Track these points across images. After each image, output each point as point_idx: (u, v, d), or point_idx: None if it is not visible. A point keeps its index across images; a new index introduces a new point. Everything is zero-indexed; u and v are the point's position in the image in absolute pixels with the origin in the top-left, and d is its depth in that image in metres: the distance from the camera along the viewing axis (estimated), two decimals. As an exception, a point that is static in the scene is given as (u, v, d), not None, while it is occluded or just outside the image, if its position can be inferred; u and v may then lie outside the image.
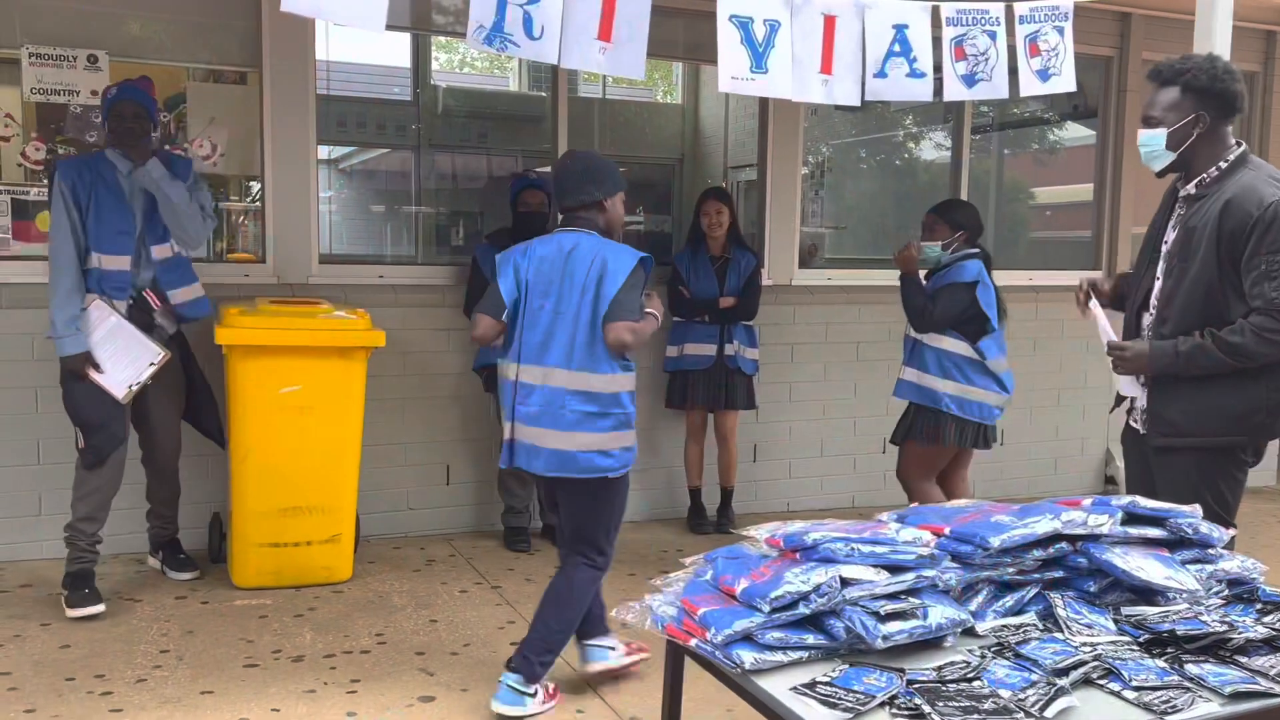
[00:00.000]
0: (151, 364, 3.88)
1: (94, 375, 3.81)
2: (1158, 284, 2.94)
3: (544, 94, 8.26)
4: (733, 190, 7.81)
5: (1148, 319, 2.96)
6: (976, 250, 4.30)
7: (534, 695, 3.15)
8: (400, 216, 9.06)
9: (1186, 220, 2.86)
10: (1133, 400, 3.02)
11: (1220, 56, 2.91)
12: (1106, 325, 2.99)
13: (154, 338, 3.97)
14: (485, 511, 5.24)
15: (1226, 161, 2.84)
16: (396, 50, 8.93)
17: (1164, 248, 2.94)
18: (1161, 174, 2.97)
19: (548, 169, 5.41)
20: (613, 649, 3.42)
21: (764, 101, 5.69)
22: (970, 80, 3.34)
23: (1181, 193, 2.93)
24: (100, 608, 3.88)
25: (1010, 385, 4.32)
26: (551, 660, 3.20)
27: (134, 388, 3.86)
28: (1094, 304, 3.07)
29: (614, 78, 4.72)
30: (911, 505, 2.25)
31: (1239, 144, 2.88)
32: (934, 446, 4.29)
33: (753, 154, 6.40)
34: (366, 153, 10.54)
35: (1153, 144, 2.88)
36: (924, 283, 4.34)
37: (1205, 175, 2.85)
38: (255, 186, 5.18)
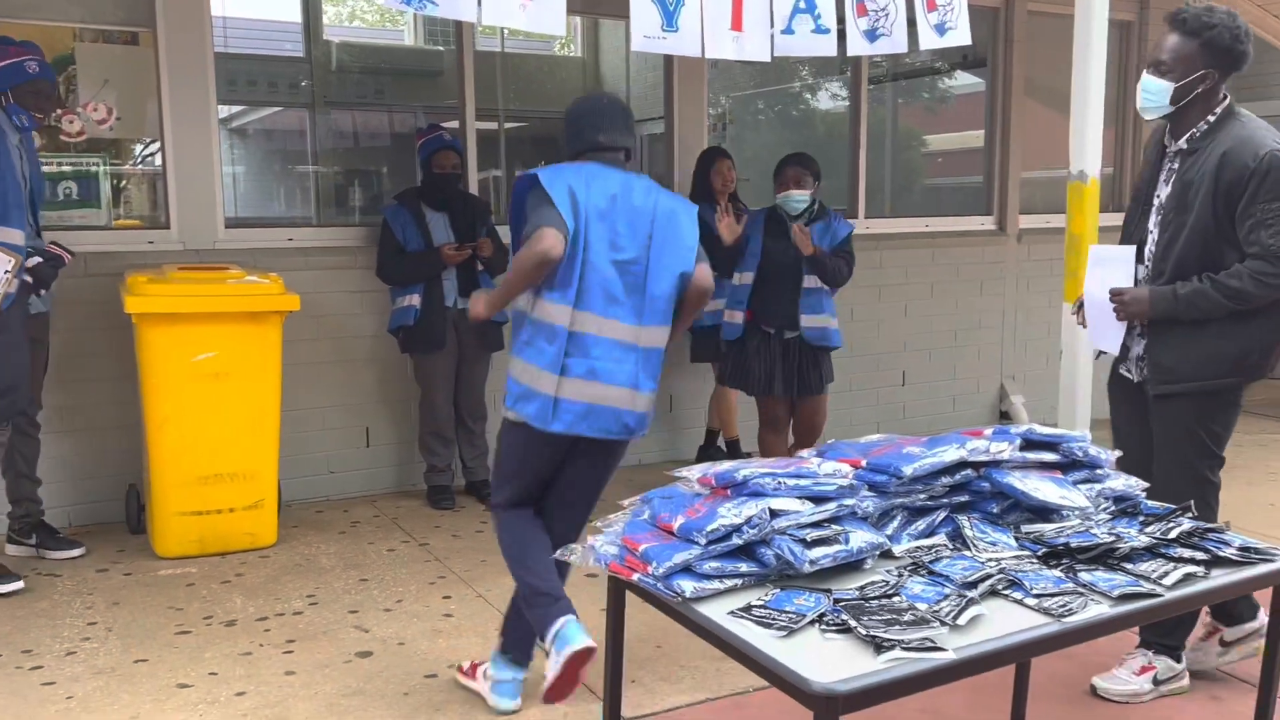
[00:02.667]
0: (6, 271, 3.69)
1: None
2: (1151, 237, 3.00)
3: (441, 48, 8.15)
4: (639, 144, 7.86)
5: (1143, 272, 3.02)
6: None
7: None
8: (297, 177, 8.86)
9: (1182, 174, 2.91)
10: (1125, 349, 3.09)
11: (1238, 15, 2.88)
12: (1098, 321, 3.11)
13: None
14: (407, 472, 5.27)
15: (1215, 115, 2.89)
16: (287, 4, 8.67)
17: (1156, 202, 3.00)
18: (1150, 120, 3.03)
19: (455, 124, 5.39)
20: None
21: (669, 55, 5.75)
22: (872, 35, 3.47)
23: (1172, 148, 2.97)
24: (19, 584, 3.82)
25: None
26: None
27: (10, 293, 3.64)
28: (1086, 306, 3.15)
29: (511, 30, 4.71)
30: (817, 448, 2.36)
31: (1225, 97, 2.92)
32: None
33: (655, 107, 6.47)
34: (257, 111, 10.23)
35: (1157, 91, 2.89)
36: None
37: (1195, 130, 2.90)
38: (139, 149, 5.06)
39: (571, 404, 2.78)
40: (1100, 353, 3.25)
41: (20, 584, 3.82)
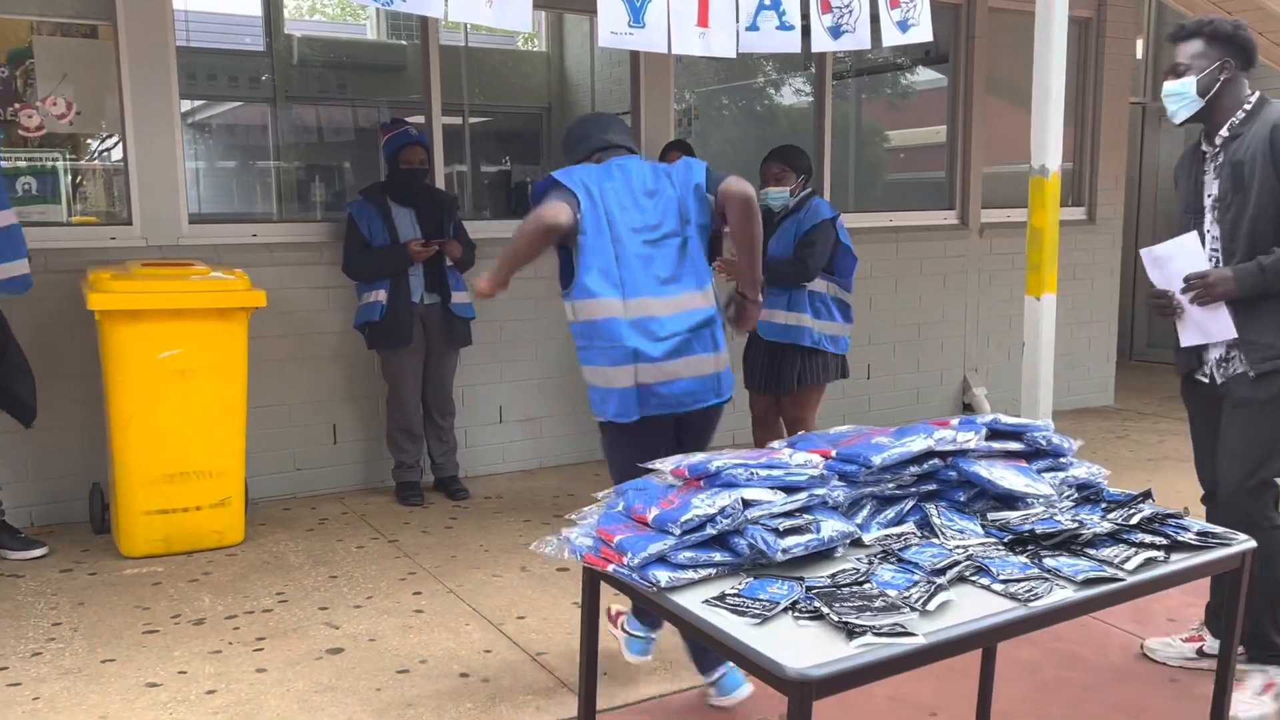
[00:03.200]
0: None
1: None
2: (1211, 235, 3.00)
3: (404, 43, 8.11)
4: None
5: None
6: (812, 190, 4.44)
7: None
8: (259, 172, 8.78)
9: (1230, 158, 2.94)
10: (1199, 355, 3.07)
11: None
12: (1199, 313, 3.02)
13: None
14: (375, 469, 5.26)
15: (1250, 103, 2.95)
16: (247, -3, 8.57)
17: (1208, 200, 3.01)
18: (1184, 124, 3.05)
19: (421, 119, 5.38)
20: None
21: (635, 50, 5.77)
22: (836, 32, 3.51)
23: (1212, 146, 3.00)
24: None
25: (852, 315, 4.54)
26: None
27: None
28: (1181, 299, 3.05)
29: (474, 25, 4.70)
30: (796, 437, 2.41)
31: (1253, 92, 2.98)
32: (821, 386, 4.45)
33: (620, 102, 6.49)
34: (217, 106, 10.12)
35: (1182, 91, 2.96)
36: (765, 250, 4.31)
37: (1234, 118, 2.95)
38: (100, 144, 4.99)
39: (657, 388, 2.78)
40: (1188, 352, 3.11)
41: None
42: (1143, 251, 3.15)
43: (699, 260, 2.87)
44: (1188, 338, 3.09)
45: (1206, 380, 3.11)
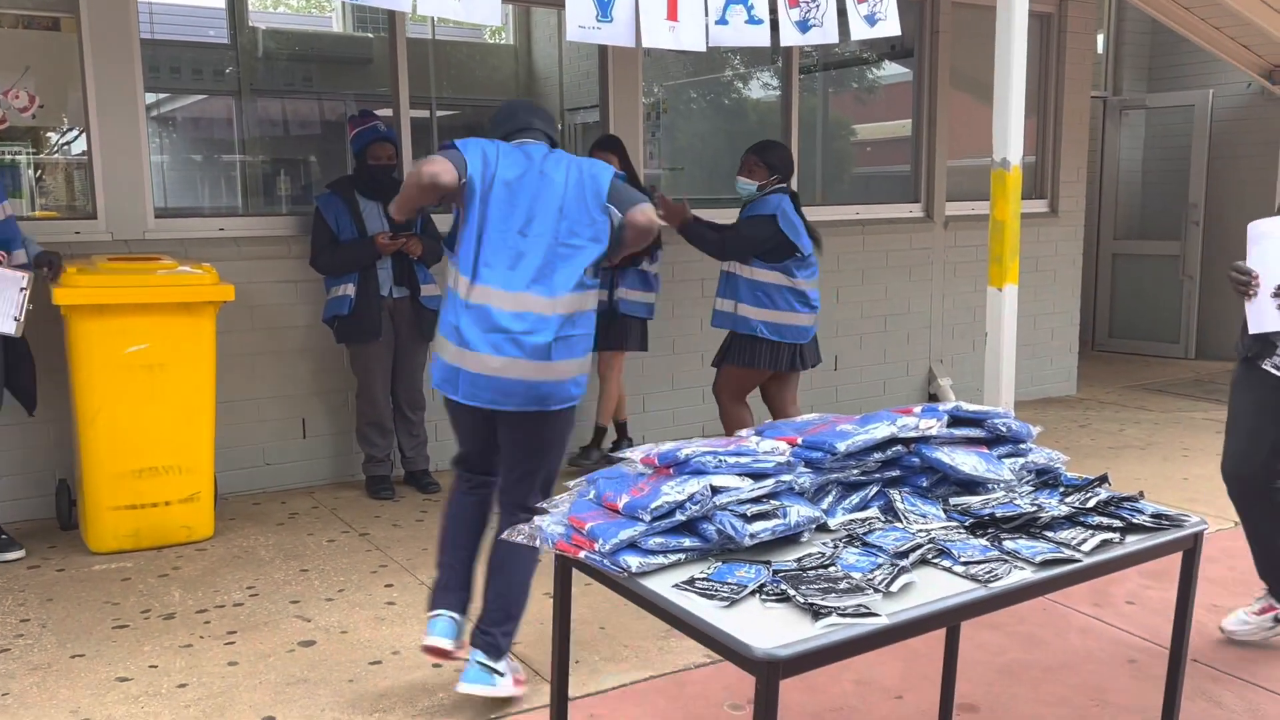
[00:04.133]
0: (22, 289, 3.72)
1: None
2: None
3: (370, 35, 8.07)
4: (571, 132, 7.89)
5: None
6: (783, 187, 4.57)
7: (503, 674, 2.90)
8: (224, 165, 8.71)
9: None
10: (1274, 343, 3.06)
11: None
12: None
13: (4, 267, 3.78)
14: (345, 463, 5.25)
15: None
16: (211, -11, 8.49)
17: None
18: None
19: (389, 112, 5.37)
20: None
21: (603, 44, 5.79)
22: (804, 26, 3.55)
23: None
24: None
25: (817, 302, 4.63)
26: (514, 629, 2.95)
27: (19, 319, 3.70)
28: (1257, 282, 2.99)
29: (441, 18, 4.69)
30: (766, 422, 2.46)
31: None
32: (748, 369, 4.64)
33: (588, 95, 6.51)
34: (181, 99, 10.02)
35: None
36: (709, 221, 4.64)
37: None
38: (62, 137, 4.95)
39: (472, 376, 2.80)
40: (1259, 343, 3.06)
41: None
42: (1250, 225, 3.03)
43: (572, 268, 2.82)
44: (1261, 323, 3.01)
45: (1276, 372, 3.12)
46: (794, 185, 4.81)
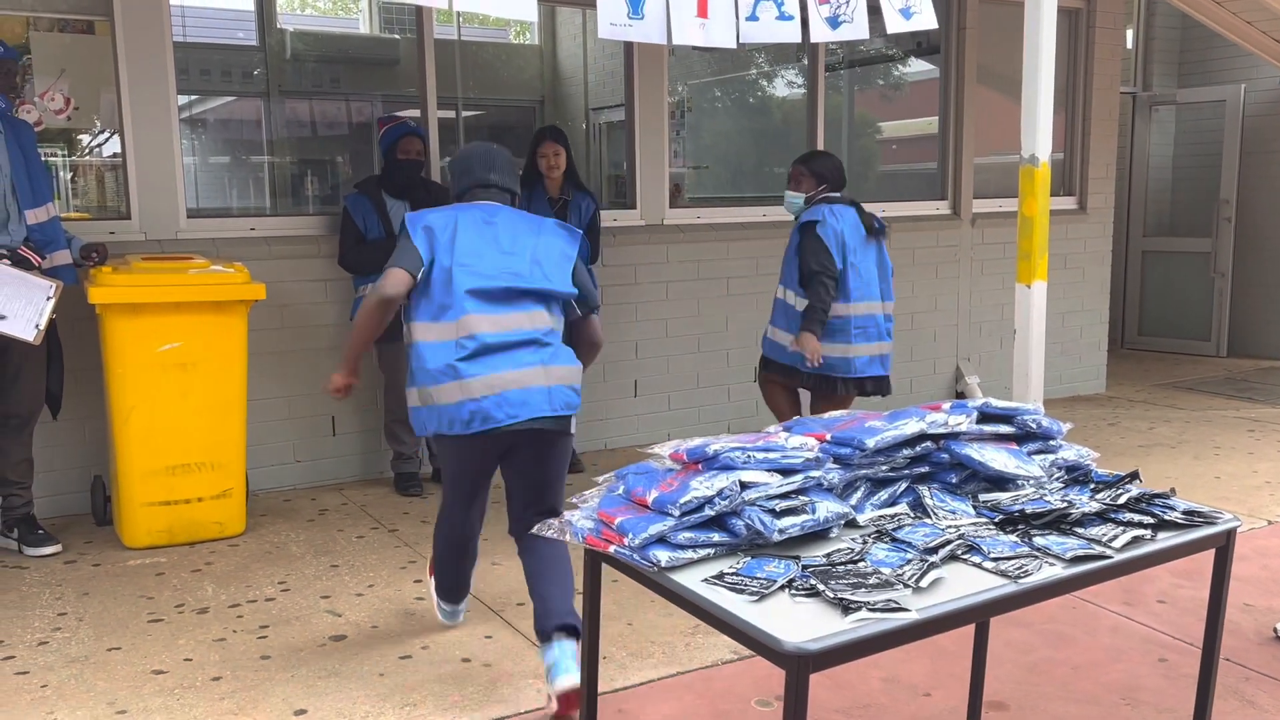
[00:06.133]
0: (49, 298, 3.78)
1: None
2: None
3: (397, 36, 8.12)
4: (597, 132, 7.90)
5: None
6: (837, 195, 4.37)
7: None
8: (252, 166, 8.79)
9: None
10: None
11: None
12: None
13: (36, 273, 3.85)
14: (373, 460, 5.30)
15: None
16: (240, -9, 8.58)
17: None
18: None
19: (417, 113, 5.41)
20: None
21: (629, 42, 5.81)
22: (834, 22, 3.53)
23: None
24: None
25: (863, 325, 4.25)
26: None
27: (40, 327, 3.76)
28: None
29: (467, 17, 4.70)
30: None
31: None
32: (774, 382, 4.48)
33: (614, 94, 6.52)
34: (210, 101, 10.13)
35: None
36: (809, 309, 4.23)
37: None
38: (97, 139, 5.02)
39: (481, 401, 2.81)
40: None
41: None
42: None
43: (540, 300, 2.94)
44: None
45: None
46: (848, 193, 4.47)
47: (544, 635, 2.88)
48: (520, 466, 3.02)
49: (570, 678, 2.77)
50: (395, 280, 2.86)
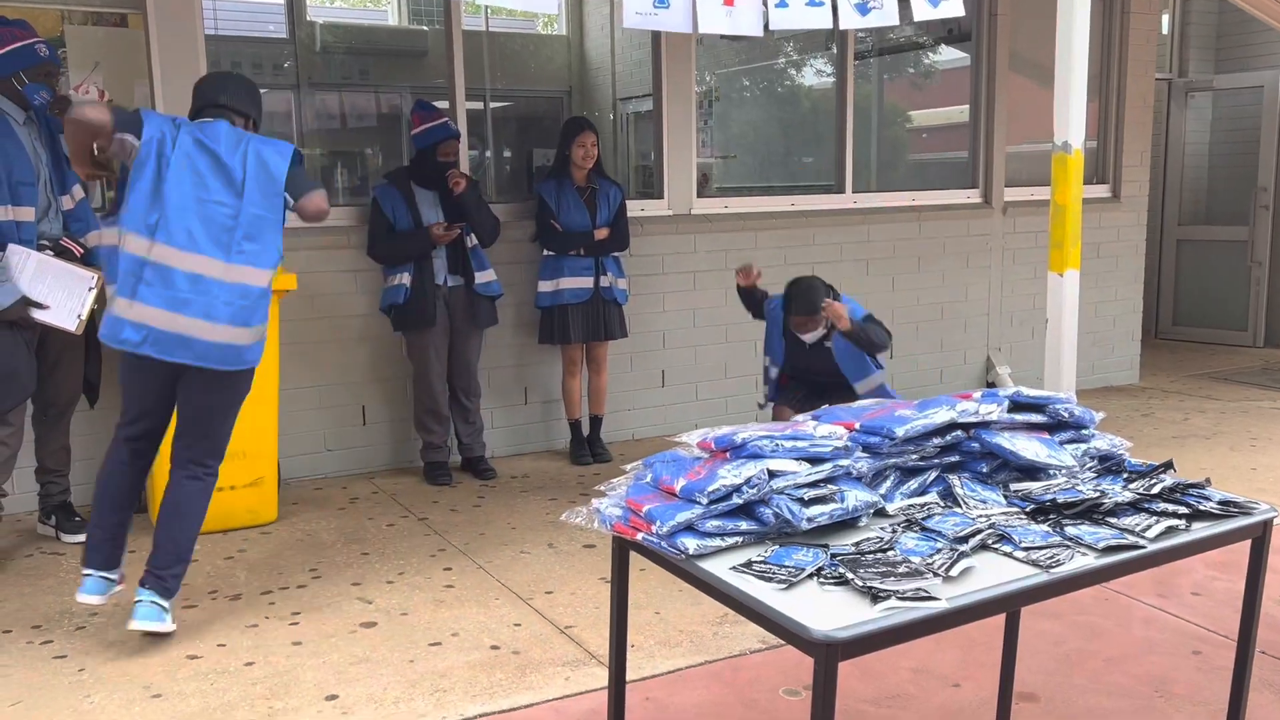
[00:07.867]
0: (90, 288, 3.83)
1: (39, 315, 3.73)
2: None
3: (425, 28, 8.15)
4: (624, 122, 7.89)
5: None
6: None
7: (170, 611, 3.24)
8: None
9: None
10: None
11: None
12: None
13: (78, 264, 3.90)
14: (403, 449, 5.33)
15: None
16: (270, -15, 8.64)
17: None
18: None
19: (444, 104, 5.42)
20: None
21: (657, 32, 5.79)
22: (863, 9, 3.51)
23: None
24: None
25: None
26: (183, 571, 3.31)
27: (82, 316, 3.81)
28: None
29: (494, 10, 4.70)
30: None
31: None
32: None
33: (641, 85, 6.51)
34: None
35: None
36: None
37: None
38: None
39: (139, 325, 3.04)
40: None
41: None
42: None
43: (246, 236, 3.10)
44: None
45: None
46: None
47: (145, 578, 3.23)
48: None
49: (137, 623, 3.17)
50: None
